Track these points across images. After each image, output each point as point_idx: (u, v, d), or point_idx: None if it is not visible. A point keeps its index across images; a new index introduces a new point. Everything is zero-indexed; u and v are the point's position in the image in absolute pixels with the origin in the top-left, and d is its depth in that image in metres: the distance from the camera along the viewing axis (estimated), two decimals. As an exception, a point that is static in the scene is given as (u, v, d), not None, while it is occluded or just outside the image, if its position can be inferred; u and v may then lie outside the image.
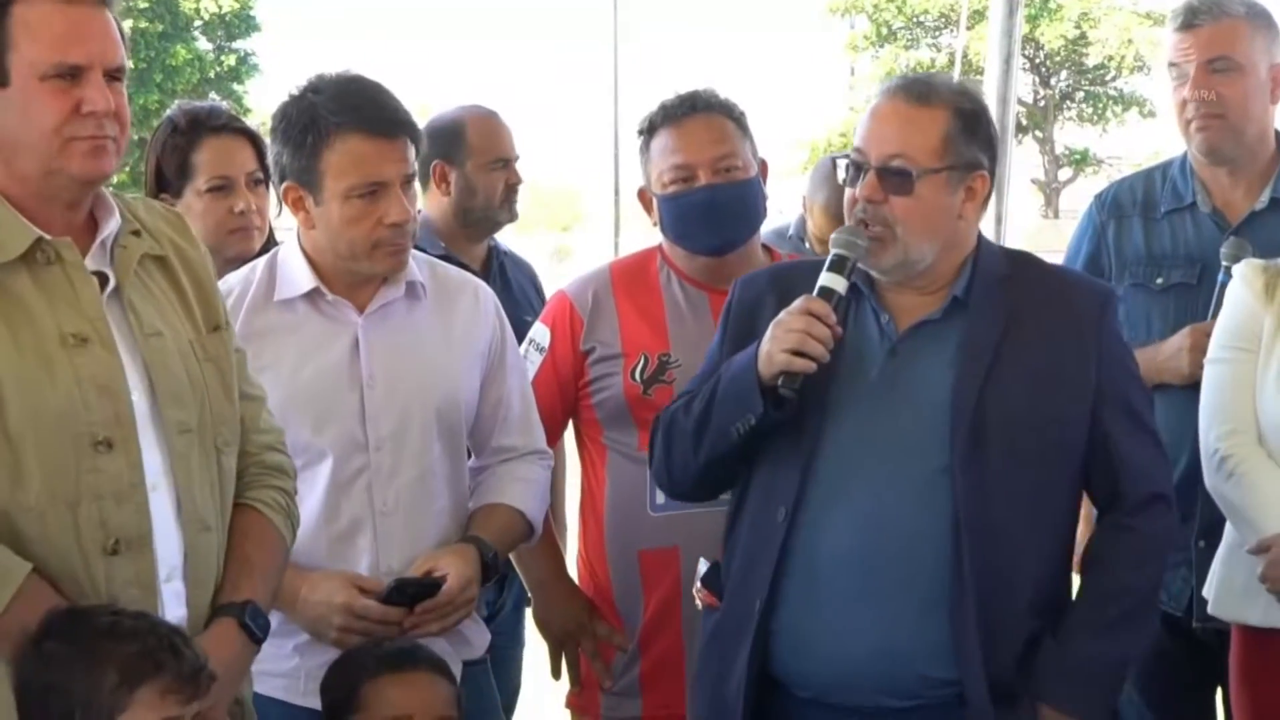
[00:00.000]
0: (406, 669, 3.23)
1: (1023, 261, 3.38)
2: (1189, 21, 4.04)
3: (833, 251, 3.19)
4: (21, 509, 2.69)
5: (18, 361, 2.69)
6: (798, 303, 3.14)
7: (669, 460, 3.36)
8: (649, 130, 3.90)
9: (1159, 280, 4.11)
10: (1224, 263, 3.92)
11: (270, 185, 4.02)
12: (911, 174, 3.17)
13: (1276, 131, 4.16)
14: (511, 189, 4.73)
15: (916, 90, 3.23)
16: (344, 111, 3.38)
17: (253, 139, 4.12)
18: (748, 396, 3.16)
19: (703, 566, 3.46)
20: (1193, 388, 3.89)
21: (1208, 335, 3.86)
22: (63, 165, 2.76)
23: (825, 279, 3.17)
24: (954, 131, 3.20)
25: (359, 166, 3.37)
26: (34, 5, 2.73)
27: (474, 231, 4.72)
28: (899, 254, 3.20)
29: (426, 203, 4.75)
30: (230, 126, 4.12)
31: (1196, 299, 4.03)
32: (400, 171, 3.40)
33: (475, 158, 4.73)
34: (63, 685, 2.58)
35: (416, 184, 3.54)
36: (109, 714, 2.58)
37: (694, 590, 3.49)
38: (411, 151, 3.43)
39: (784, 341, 3.10)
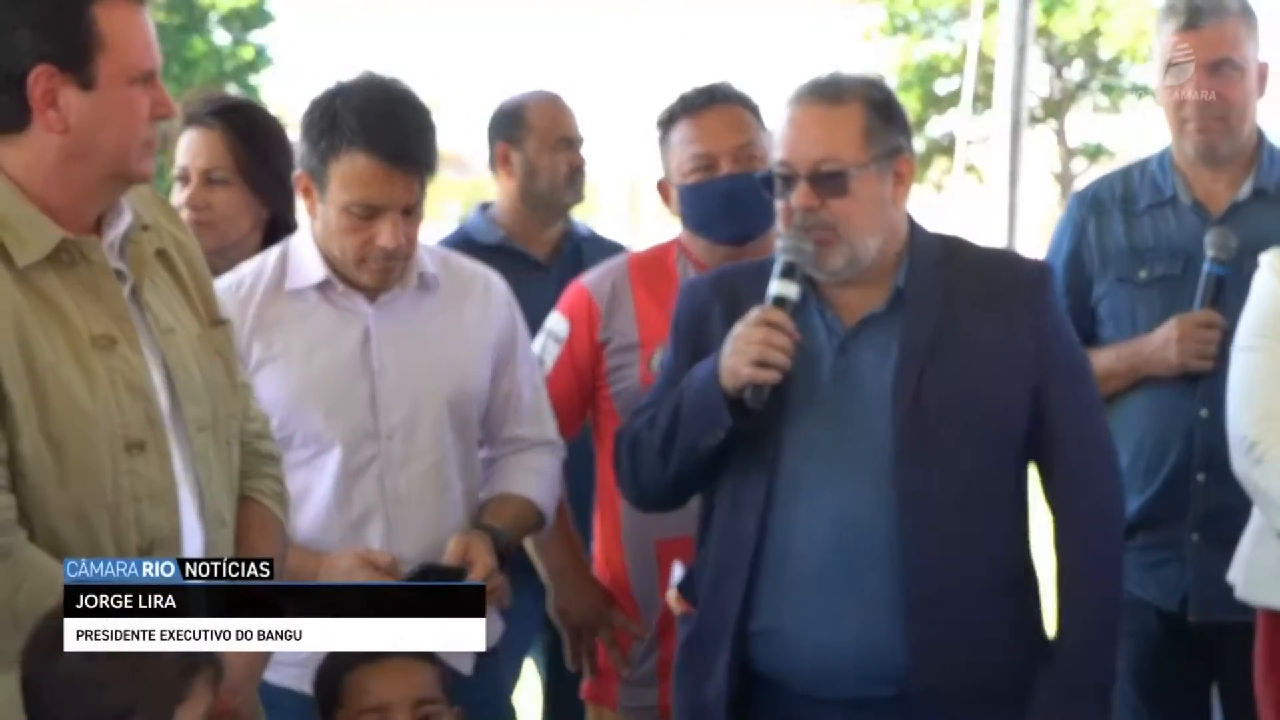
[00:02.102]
0: (380, 658, 3.21)
1: (956, 246, 3.40)
2: (1192, 22, 4.01)
3: (781, 259, 3.20)
4: (61, 512, 2.70)
5: (55, 364, 2.70)
6: (754, 313, 3.16)
7: (637, 477, 3.37)
8: (668, 121, 3.92)
9: (1143, 273, 4.10)
10: (1208, 252, 3.94)
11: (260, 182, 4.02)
12: (845, 174, 3.18)
13: (1257, 127, 4.15)
14: (575, 170, 4.73)
15: (828, 91, 3.24)
16: (360, 129, 3.38)
17: (231, 133, 4.03)
18: (714, 411, 3.17)
19: (679, 572, 3.46)
20: (1180, 379, 3.91)
21: (1195, 325, 3.90)
22: (135, 169, 2.78)
23: (777, 287, 3.18)
24: (872, 122, 3.22)
25: (361, 187, 3.38)
26: (114, 7, 2.72)
27: (542, 216, 4.72)
28: (846, 253, 3.21)
29: (496, 188, 4.80)
30: (203, 119, 4.05)
31: (1181, 290, 4.02)
32: (402, 201, 3.41)
33: (536, 138, 4.72)
34: (123, 678, 2.53)
35: (422, 209, 3.52)
36: (170, 704, 2.55)
37: (668, 596, 3.49)
38: (419, 184, 3.43)
39: (746, 354, 3.12)
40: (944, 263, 3.30)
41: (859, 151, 3.20)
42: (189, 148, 4.04)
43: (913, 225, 3.35)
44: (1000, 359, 3.23)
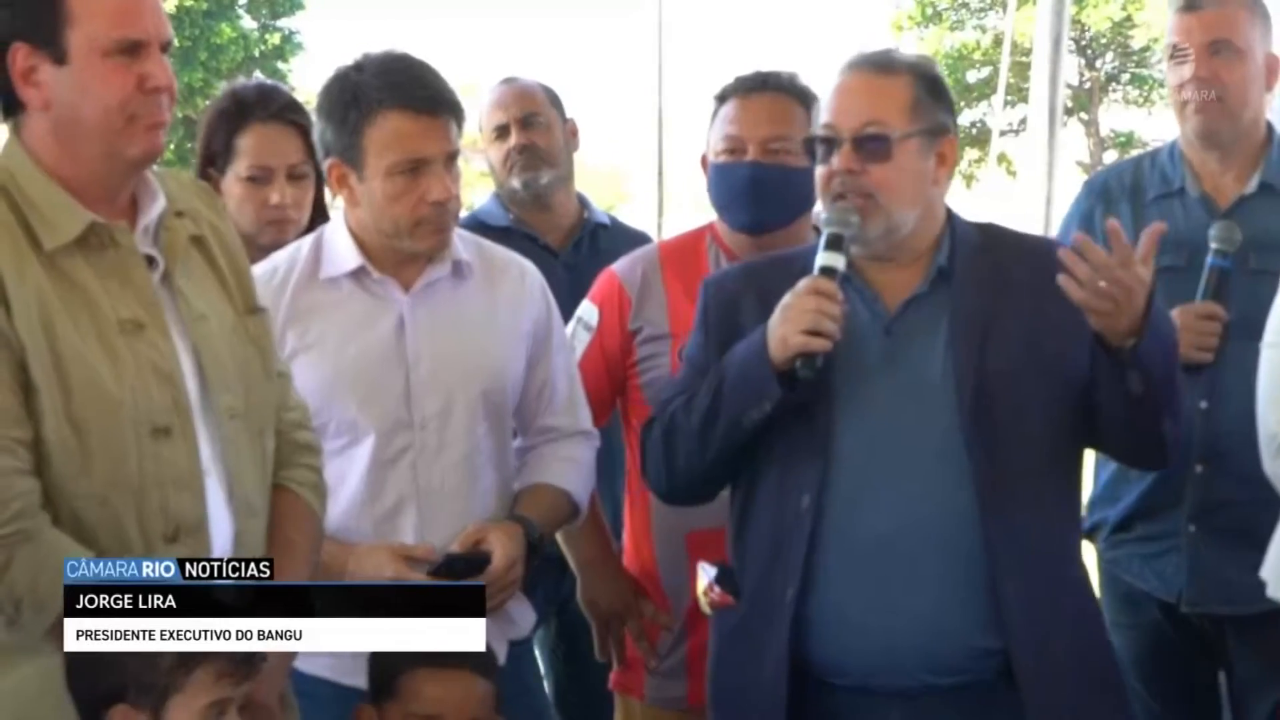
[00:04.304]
0: (447, 665, 3.19)
1: (993, 231, 3.42)
2: (1192, 4, 4.03)
3: (826, 231, 3.19)
4: (85, 497, 2.70)
5: (80, 348, 2.69)
6: (804, 283, 3.14)
7: (670, 462, 3.33)
8: (721, 99, 3.92)
9: None
10: (1212, 245, 3.91)
11: (318, 174, 4.00)
12: (889, 138, 3.18)
13: (1268, 121, 4.14)
14: (513, 151, 4.70)
15: (878, 61, 3.27)
16: (387, 89, 3.38)
17: (304, 130, 4.05)
18: (761, 384, 3.14)
19: (709, 571, 3.41)
20: (1180, 370, 3.86)
21: (1196, 317, 3.87)
22: (124, 146, 2.76)
23: (824, 258, 3.16)
24: (921, 95, 3.24)
25: (401, 143, 3.37)
26: None
27: (525, 202, 4.71)
28: (883, 222, 3.20)
29: None
30: (280, 116, 4.08)
31: (1185, 282, 3.97)
32: (443, 149, 3.40)
33: (484, 135, 4.77)
34: (115, 661, 2.57)
35: (460, 163, 3.52)
36: (162, 694, 2.57)
37: (702, 594, 3.43)
38: (454, 130, 3.43)
39: (798, 322, 3.09)
40: (984, 246, 3.31)
41: (905, 120, 3.20)
42: (269, 145, 4.06)
43: (950, 211, 3.35)
44: (1060, 334, 3.20)
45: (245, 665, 2.64)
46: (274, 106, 4.08)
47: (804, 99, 3.88)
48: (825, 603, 3.16)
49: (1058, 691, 3.14)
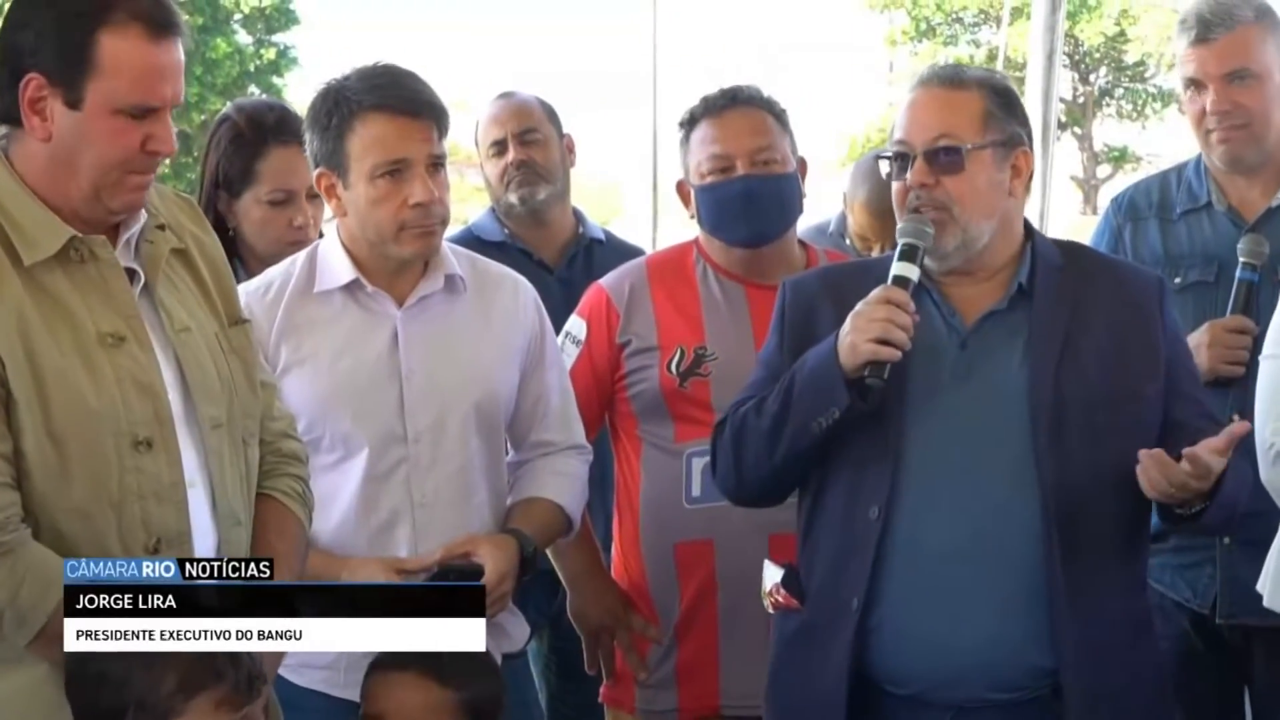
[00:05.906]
0: (392, 668, 3.21)
1: (1075, 251, 3.42)
2: (1203, 35, 3.99)
3: (901, 242, 3.19)
4: (65, 510, 2.70)
5: (60, 362, 2.70)
6: (876, 292, 3.14)
7: (740, 463, 3.33)
8: (690, 123, 3.91)
9: (1177, 280, 4.05)
10: (1240, 258, 3.91)
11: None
12: (960, 150, 3.19)
13: None
14: (510, 167, 4.70)
15: (949, 75, 3.29)
16: (368, 92, 3.40)
17: None
18: (831, 390, 3.15)
19: (775, 571, 3.41)
20: (1212, 384, 3.87)
21: (1226, 331, 3.87)
22: (109, 198, 2.77)
23: (898, 268, 3.17)
24: (992, 107, 3.24)
25: (382, 145, 3.39)
26: (124, 37, 2.72)
27: (520, 218, 4.71)
28: (958, 235, 3.20)
29: None
30: (297, 138, 4.05)
31: (1215, 296, 3.99)
32: (424, 151, 3.41)
33: (481, 150, 4.77)
34: (119, 679, 2.57)
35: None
36: (162, 716, 2.56)
37: (765, 594, 3.43)
38: (436, 134, 3.43)
39: (868, 331, 3.10)
40: (1066, 266, 3.30)
41: (977, 132, 3.22)
42: (290, 168, 4.04)
43: (1029, 227, 3.35)
44: (1136, 359, 3.22)
45: (246, 693, 2.63)
46: (290, 129, 4.07)
47: (772, 109, 3.90)
48: (889, 613, 3.17)
49: (1104, 716, 3.14)
